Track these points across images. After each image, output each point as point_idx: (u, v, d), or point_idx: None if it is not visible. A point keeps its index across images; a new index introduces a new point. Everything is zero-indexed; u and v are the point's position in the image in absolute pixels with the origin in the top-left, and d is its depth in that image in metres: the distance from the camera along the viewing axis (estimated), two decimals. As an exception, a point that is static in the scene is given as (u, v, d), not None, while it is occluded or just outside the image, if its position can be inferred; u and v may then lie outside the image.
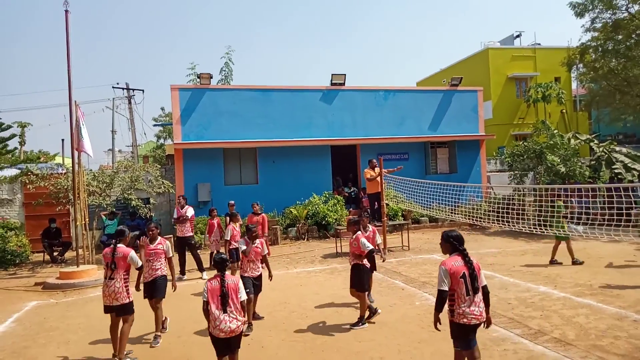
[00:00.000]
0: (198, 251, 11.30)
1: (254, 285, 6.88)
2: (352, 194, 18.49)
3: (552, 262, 10.50)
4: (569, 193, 10.47)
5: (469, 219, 12.41)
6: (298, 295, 8.73)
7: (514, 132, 29.78)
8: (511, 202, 11.98)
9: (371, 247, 6.93)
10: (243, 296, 4.83)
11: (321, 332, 6.64)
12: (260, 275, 7.05)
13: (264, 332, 6.69)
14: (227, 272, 4.89)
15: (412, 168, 18.22)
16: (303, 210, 16.00)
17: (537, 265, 10.52)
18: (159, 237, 6.77)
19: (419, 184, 13.21)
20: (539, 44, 32.30)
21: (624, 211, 8.26)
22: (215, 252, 10.28)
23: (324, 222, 15.81)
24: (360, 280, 6.85)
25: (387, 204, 13.72)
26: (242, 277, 6.53)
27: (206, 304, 4.67)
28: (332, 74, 18.05)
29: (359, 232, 7.08)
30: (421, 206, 13.56)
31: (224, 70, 25.11)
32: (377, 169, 13.23)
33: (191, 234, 11.04)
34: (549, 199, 10.50)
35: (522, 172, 17.44)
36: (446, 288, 4.31)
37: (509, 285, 8.75)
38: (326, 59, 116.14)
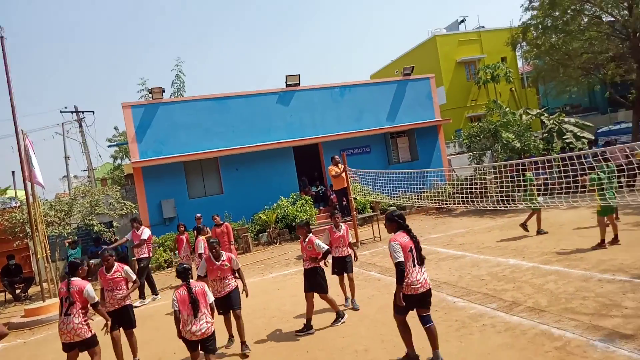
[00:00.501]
0: (152, 272, 10.99)
1: (224, 305, 6.29)
2: (320, 192, 18.53)
3: (539, 232, 10.76)
4: (527, 166, 10.84)
5: (435, 203, 12.67)
6: (276, 300, 8.68)
7: (468, 114, 30.59)
8: (473, 182, 12.32)
9: (326, 247, 6.64)
10: (211, 298, 5.25)
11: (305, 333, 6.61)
12: (230, 292, 6.30)
13: (247, 340, 6.61)
14: (192, 280, 5.13)
15: (375, 160, 18.46)
16: (272, 214, 15.91)
17: (505, 239, 10.84)
18: (116, 264, 6.36)
19: (383, 174, 13.39)
20: (483, 27, 33.33)
21: (579, 178, 8.63)
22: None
23: (294, 223, 15.76)
24: (321, 283, 6.64)
25: (354, 198, 13.82)
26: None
27: (178, 313, 5.01)
28: (286, 76, 18.03)
29: (311, 235, 6.77)
30: (388, 196, 13.75)
31: (176, 83, 24.66)
32: (340, 165, 13.31)
33: (146, 255, 10.57)
34: (516, 173, 10.85)
35: (480, 152, 17.96)
36: (402, 259, 4.67)
37: (480, 262, 8.98)
38: (280, 61, 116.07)
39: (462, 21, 34.64)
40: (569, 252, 8.70)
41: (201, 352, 5.15)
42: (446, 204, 12.33)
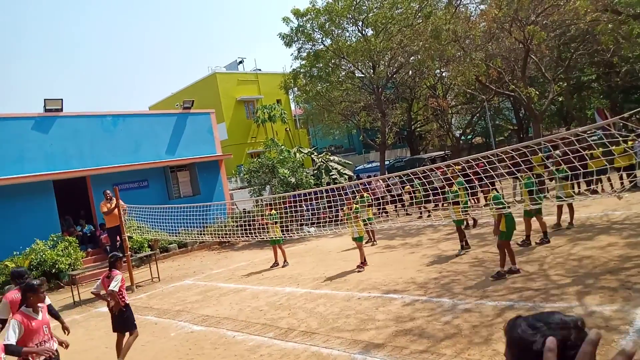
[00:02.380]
0: None
1: None
2: (88, 232, 16.44)
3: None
4: (301, 199, 11.81)
5: (217, 237, 12.63)
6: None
7: (249, 151, 31.97)
8: (253, 215, 12.76)
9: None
10: None
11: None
12: None
13: None
14: None
15: (154, 195, 17.47)
16: (24, 261, 13.31)
17: (282, 268, 11.46)
18: None
19: (163, 210, 12.73)
20: (260, 70, 35.72)
21: (340, 210, 9.83)
22: None
23: (54, 270, 13.52)
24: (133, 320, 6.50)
25: (129, 237, 12.72)
26: None
27: None
28: (45, 99, 15.72)
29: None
30: (168, 233, 13.08)
31: None
32: (114, 201, 12.11)
33: None
34: (291, 206, 11.61)
35: (260, 187, 18.85)
36: None
37: (259, 293, 9.25)
38: (40, 84, 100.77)
39: (241, 62, 36.49)
40: (335, 276, 9.72)
41: None
42: (228, 238, 12.42)
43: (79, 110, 18.37)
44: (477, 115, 32.67)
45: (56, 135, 15.80)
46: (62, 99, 15.96)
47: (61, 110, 16.02)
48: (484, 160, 6.86)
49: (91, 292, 6.75)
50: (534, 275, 7.42)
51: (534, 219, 9.65)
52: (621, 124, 13.27)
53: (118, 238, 12.44)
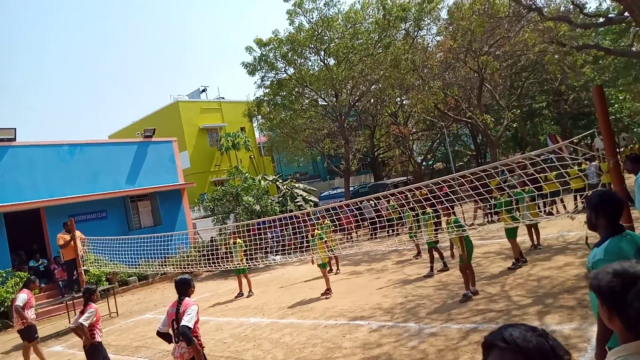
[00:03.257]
0: None
1: None
2: (41, 267, 15.61)
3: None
4: (266, 227, 11.70)
5: (180, 268, 12.25)
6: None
7: (212, 179, 31.58)
8: (216, 244, 12.51)
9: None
10: None
11: None
12: None
13: None
14: None
15: (113, 226, 16.89)
16: (-31, 299, 12.48)
17: (247, 298, 11.21)
18: None
19: (122, 240, 12.27)
20: (223, 98, 35.71)
21: (305, 237, 9.78)
22: None
23: (3, 308, 12.72)
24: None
25: (86, 271, 12.16)
26: None
27: None
28: (-4, 129, 15.12)
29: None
30: (127, 265, 12.59)
31: None
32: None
33: None
34: (256, 234, 11.46)
35: (223, 215, 18.55)
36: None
37: (224, 325, 8.99)
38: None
39: (204, 90, 36.41)
40: (302, 304, 9.58)
41: None
42: (192, 268, 12.08)
43: (33, 139, 17.71)
44: (437, 141, 33.64)
45: (8, 165, 15.13)
46: (15, 128, 15.40)
47: (14, 139, 15.41)
48: (445, 185, 7.03)
49: (70, 327, 6.39)
50: (495, 297, 7.56)
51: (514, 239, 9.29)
52: (571, 149, 13.98)
53: (75, 272, 11.87)
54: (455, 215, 8.40)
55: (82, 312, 6.05)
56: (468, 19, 18.53)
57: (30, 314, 8.31)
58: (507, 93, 28.53)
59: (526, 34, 18.00)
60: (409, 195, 9.84)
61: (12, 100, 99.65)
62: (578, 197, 13.21)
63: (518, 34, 19.48)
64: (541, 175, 7.73)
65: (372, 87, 23.32)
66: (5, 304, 12.69)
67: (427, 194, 11.71)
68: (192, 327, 4.42)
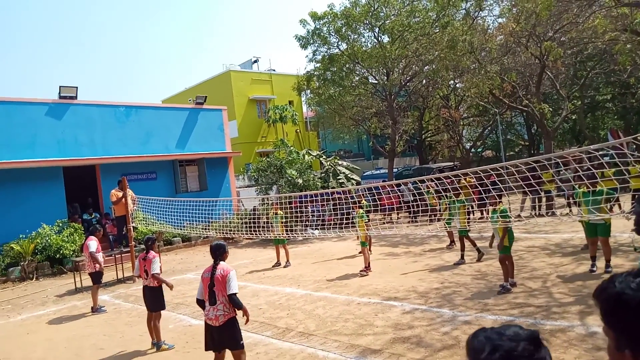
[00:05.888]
0: None
1: None
2: (94, 220, 16.54)
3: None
4: (307, 200, 11.85)
5: (222, 234, 12.65)
6: (24, 347, 7.22)
7: (258, 150, 32.06)
8: (257, 214, 12.79)
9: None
10: None
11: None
12: None
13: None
14: None
15: (161, 187, 17.58)
16: (29, 244, 13.43)
17: (284, 268, 11.46)
18: None
19: (170, 202, 12.78)
20: (274, 70, 35.86)
21: (346, 214, 9.82)
22: None
23: (58, 255, 13.64)
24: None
25: (135, 227, 12.79)
26: None
27: None
28: (60, 86, 15.88)
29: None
30: (173, 226, 13.14)
31: None
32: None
33: None
34: (297, 207, 11.64)
35: (267, 186, 18.88)
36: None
37: (260, 292, 9.26)
38: (55, 71, 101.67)
39: (256, 61, 36.66)
40: (337, 279, 9.70)
41: None
42: (233, 234, 12.45)
43: (93, 99, 18.53)
44: (489, 128, 32.53)
45: (69, 122, 15.96)
46: (77, 87, 16.13)
47: (75, 97, 16.18)
48: (493, 173, 6.82)
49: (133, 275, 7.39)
50: (535, 292, 7.36)
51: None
52: (634, 146, 13.14)
53: (124, 228, 12.51)
54: (503, 205, 8.16)
55: (143, 259, 6.64)
56: (534, 1, 17.52)
57: (99, 257, 9.11)
58: (569, 82, 27.03)
59: (596, 20, 16.85)
60: (447, 182, 9.66)
61: (75, 59, 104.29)
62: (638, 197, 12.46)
63: (587, 20, 18.26)
64: (598, 171, 7.34)
65: (426, 67, 22.68)
66: (61, 252, 13.58)
67: (473, 181, 11.45)
68: (237, 291, 4.72)
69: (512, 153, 36.34)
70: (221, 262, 4.86)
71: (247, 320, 4.82)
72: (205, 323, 4.81)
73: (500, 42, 22.63)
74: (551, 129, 22.23)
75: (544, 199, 14.82)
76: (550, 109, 22.84)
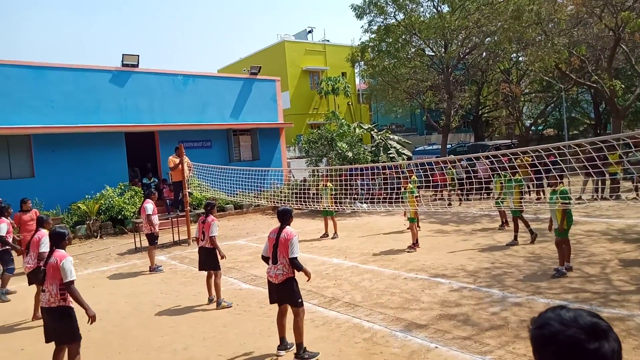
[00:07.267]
0: None
1: None
2: (152, 185, 17.35)
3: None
4: (357, 174, 11.83)
5: (272, 203, 12.94)
6: (90, 299, 7.80)
7: (310, 121, 32.10)
8: (307, 185, 12.92)
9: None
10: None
11: (119, 333, 6.08)
12: None
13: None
14: None
15: (216, 155, 18.09)
16: (94, 204, 14.35)
17: (332, 239, 11.60)
18: None
19: (224, 170, 13.16)
20: (328, 41, 35.38)
21: (395, 190, 9.73)
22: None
23: (120, 216, 14.48)
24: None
25: (190, 193, 13.31)
26: None
27: None
28: (123, 54, 16.50)
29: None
30: (226, 193, 13.56)
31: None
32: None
33: None
34: (345, 180, 11.68)
35: (317, 158, 18.97)
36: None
37: (308, 261, 9.39)
38: (116, 38, 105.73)
39: (310, 32, 36.27)
40: (384, 253, 9.70)
41: None
42: (282, 204, 12.69)
43: (152, 67, 19.14)
44: (552, 105, 30.76)
45: (130, 89, 16.62)
46: (138, 55, 16.68)
47: (137, 66, 16.78)
48: (555, 152, 6.49)
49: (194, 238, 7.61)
50: (593, 278, 7.04)
51: None
52: None
53: (180, 193, 13.05)
54: (564, 186, 7.76)
55: (203, 222, 7.05)
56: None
57: (155, 220, 9.69)
58: (646, 57, 24.86)
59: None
60: (504, 160, 9.28)
61: (137, 29, 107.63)
62: None
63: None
64: (674, 154, 6.81)
65: (487, 39, 21.58)
66: (122, 213, 14.41)
67: (531, 160, 10.96)
68: (298, 255, 5.13)
69: (575, 132, 34.29)
70: (287, 227, 5.24)
71: (309, 279, 5.29)
72: (268, 280, 5.17)
73: (570, 12, 21.07)
74: (622, 107, 20.68)
75: (608, 182, 13.99)
76: (622, 86, 21.16)
